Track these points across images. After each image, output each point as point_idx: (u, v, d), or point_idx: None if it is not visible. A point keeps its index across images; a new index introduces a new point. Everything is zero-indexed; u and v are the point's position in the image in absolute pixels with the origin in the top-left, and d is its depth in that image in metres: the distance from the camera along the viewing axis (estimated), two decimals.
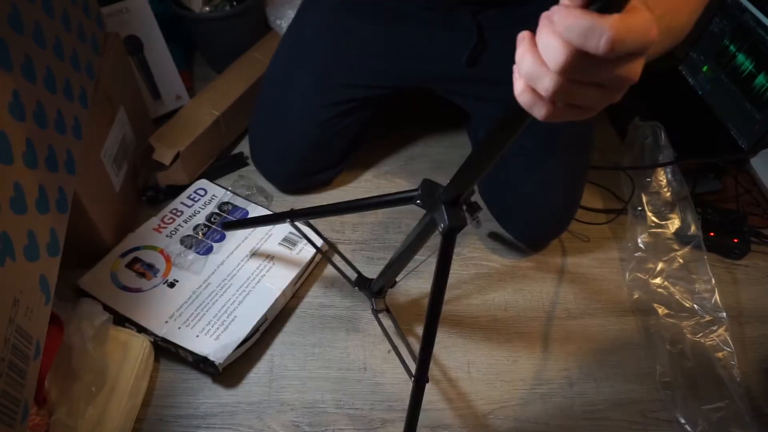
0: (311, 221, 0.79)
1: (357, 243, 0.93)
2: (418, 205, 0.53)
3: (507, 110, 0.36)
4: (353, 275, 0.78)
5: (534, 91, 0.30)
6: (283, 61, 0.92)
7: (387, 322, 0.76)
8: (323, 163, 0.96)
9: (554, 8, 0.26)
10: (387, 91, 0.90)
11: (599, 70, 0.27)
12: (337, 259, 0.81)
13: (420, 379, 0.58)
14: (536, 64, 0.28)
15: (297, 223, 0.76)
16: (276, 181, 0.98)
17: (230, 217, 0.90)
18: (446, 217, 0.49)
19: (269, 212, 0.92)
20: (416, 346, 0.75)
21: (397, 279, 0.76)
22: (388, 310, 0.77)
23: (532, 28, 0.30)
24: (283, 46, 0.93)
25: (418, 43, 0.84)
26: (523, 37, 0.30)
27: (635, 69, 0.27)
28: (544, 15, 0.28)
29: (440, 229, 0.50)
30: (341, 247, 0.92)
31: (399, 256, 0.65)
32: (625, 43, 0.25)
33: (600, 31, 0.24)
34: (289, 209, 0.75)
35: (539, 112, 0.30)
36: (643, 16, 0.25)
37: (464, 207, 0.51)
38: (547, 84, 0.28)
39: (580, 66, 0.27)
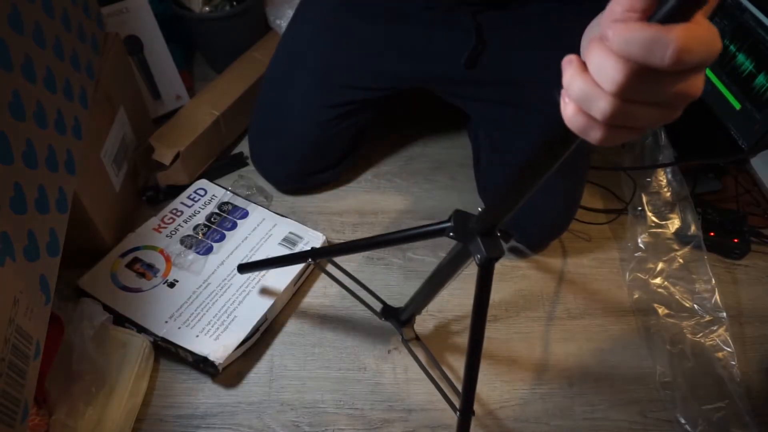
0: (338, 264, 0.75)
1: None
2: (451, 237, 0.52)
3: (550, 135, 0.35)
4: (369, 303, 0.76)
5: (587, 115, 0.28)
6: (283, 62, 0.92)
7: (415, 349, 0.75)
8: (323, 164, 0.96)
9: (606, 25, 0.25)
10: (386, 92, 0.90)
11: (660, 88, 0.25)
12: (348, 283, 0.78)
13: (465, 412, 0.57)
14: (589, 85, 0.27)
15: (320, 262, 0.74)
16: (276, 181, 0.98)
17: (230, 217, 0.90)
18: (483, 249, 0.48)
19: (272, 212, 0.92)
20: (449, 373, 0.73)
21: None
22: (418, 338, 0.75)
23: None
24: (283, 46, 0.93)
25: (418, 43, 0.84)
26: (569, 60, 0.28)
27: (697, 84, 0.26)
28: (592, 37, 0.27)
29: (477, 261, 0.49)
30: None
31: (429, 286, 0.64)
32: (693, 54, 0.23)
33: (665, 42, 0.23)
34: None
35: (594, 136, 0.29)
36: (707, 26, 0.23)
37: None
38: (602, 106, 0.27)
39: (639, 84, 0.25)
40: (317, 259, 0.68)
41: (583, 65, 0.28)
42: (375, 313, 0.76)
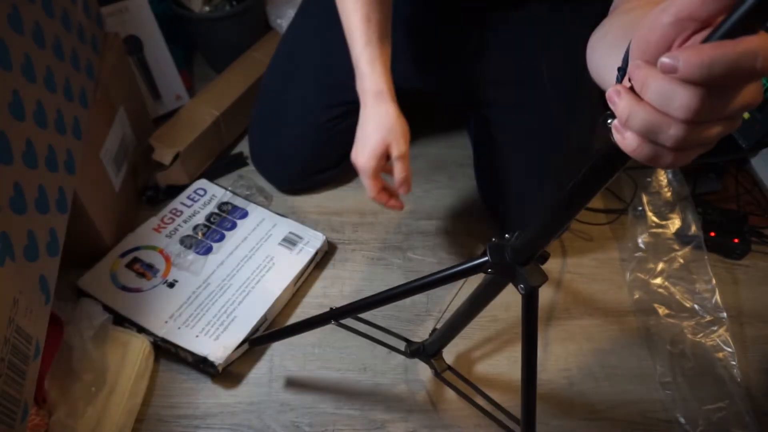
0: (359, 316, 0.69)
1: (357, 243, 0.93)
2: (489, 273, 0.51)
3: (597, 163, 0.35)
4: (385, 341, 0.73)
5: (654, 143, 0.28)
6: (284, 61, 0.92)
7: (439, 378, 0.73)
8: (323, 164, 0.96)
9: (669, 55, 0.24)
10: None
11: (728, 104, 0.25)
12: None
13: None
14: (654, 116, 0.26)
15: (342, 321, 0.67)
16: (276, 181, 0.98)
17: (230, 217, 0.90)
18: (527, 278, 0.48)
19: (271, 212, 0.91)
20: (494, 395, 0.70)
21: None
22: (451, 368, 0.72)
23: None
24: (284, 46, 0.93)
25: (418, 43, 0.84)
26: (617, 91, 0.28)
27: (759, 90, 0.26)
28: (636, 64, 0.26)
29: (522, 291, 0.49)
30: (341, 247, 0.92)
31: (462, 317, 0.62)
32: None
33: (752, 54, 0.22)
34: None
35: (665, 162, 0.29)
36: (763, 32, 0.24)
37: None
38: (673, 134, 0.26)
39: (710, 106, 0.25)
40: (339, 319, 0.64)
41: (635, 94, 0.27)
42: (401, 353, 0.72)
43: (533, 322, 0.51)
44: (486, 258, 0.50)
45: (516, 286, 0.49)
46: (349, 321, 0.67)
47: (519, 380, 0.57)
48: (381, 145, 0.67)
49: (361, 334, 0.70)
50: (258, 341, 0.74)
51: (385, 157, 0.68)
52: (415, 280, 0.57)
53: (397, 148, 0.68)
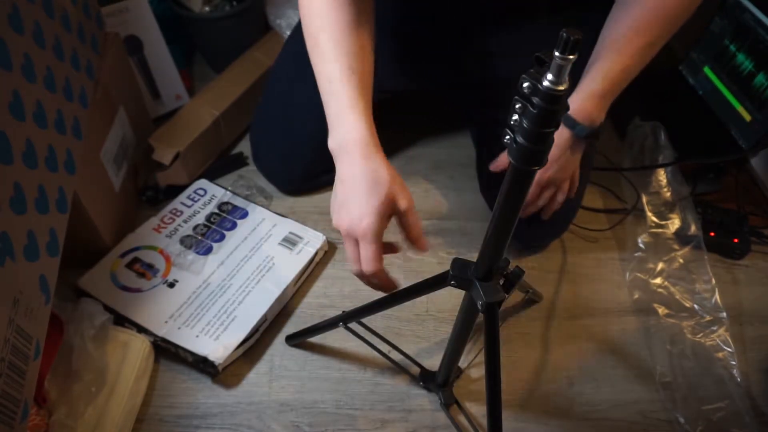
0: (366, 325, 0.74)
1: None
2: (453, 285, 0.52)
3: (512, 177, 0.39)
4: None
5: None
6: (291, 62, 0.92)
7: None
8: (327, 165, 0.96)
9: None
10: (391, 95, 0.90)
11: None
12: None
13: None
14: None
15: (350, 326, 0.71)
16: (278, 182, 0.98)
17: (230, 217, 0.90)
18: (482, 294, 0.49)
19: (272, 212, 0.91)
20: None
21: (462, 367, 0.75)
22: (457, 403, 0.74)
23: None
24: (292, 47, 0.93)
25: (424, 49, 0.84)
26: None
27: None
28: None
29: (480, 307, 0.49)
30: (341, 247, 0.92)
31: (452, 343, 0.63)
32: None
33: None
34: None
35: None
36: None
37: (501, 279, 0.50)
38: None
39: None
40: (348, 322, 0.69)
41: None
42: (413, 378, 0.75)
43: (494, 339, 0.51)
44: (450, 272, 0.51)
45: (476, 302, 0.50)
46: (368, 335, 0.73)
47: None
48: (387, 200, 0.57)
49: (374, 348, 0.74)
50: (293, 337, 0.78)
51: (390, 215, 0.58)
52: (381, 299, 0.60)
53: (406, 199, 0.58)
